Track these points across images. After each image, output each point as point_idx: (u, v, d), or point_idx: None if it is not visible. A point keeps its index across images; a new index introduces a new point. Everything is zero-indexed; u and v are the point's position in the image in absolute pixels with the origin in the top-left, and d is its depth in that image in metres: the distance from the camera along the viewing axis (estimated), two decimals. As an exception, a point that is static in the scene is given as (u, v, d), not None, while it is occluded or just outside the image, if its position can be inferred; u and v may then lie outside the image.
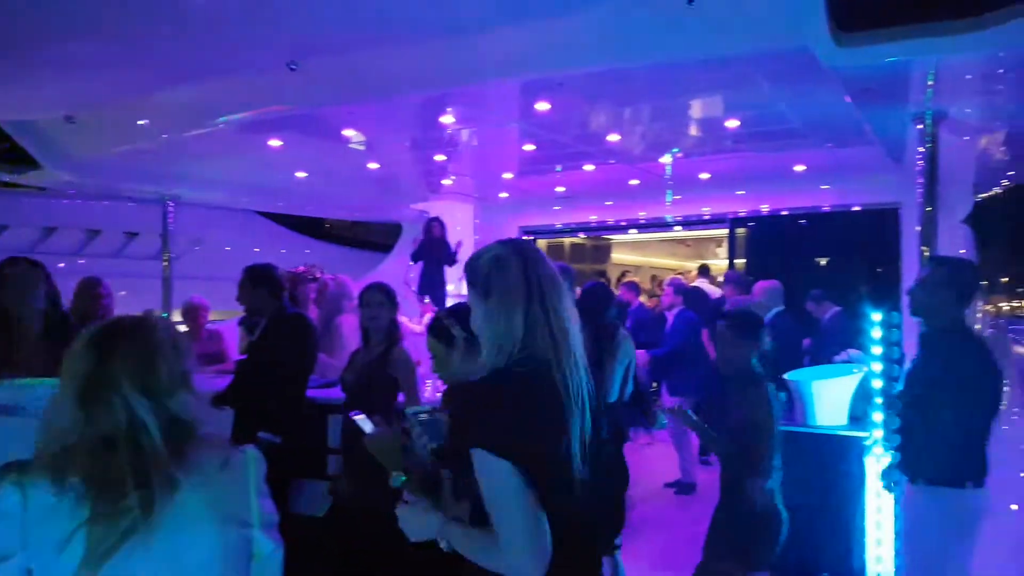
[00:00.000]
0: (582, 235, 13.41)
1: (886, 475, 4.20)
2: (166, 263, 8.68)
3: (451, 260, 9.57)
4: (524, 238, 11.06)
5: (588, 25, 4.35)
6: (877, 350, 4.83)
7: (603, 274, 14.87)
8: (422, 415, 2.54)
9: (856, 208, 8.80)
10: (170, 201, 8.59)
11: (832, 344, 7.02)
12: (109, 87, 5.56)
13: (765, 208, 9.55)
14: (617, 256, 16.57)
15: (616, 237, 15.26)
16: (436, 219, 9.75)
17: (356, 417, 2.80)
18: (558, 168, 8.28)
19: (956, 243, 7.21)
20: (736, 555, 3.96)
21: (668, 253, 17.44)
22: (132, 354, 1.75)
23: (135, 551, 1.64)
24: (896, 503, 4.44)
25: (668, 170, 8.13)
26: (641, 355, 6.87)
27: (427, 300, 9.05)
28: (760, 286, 7.76)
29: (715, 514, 4.10)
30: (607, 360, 4.81)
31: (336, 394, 5.01)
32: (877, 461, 4.69)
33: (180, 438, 1.75)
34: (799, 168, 7.88)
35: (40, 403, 1.79)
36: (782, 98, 5.32)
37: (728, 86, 5.26)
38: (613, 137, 6.79)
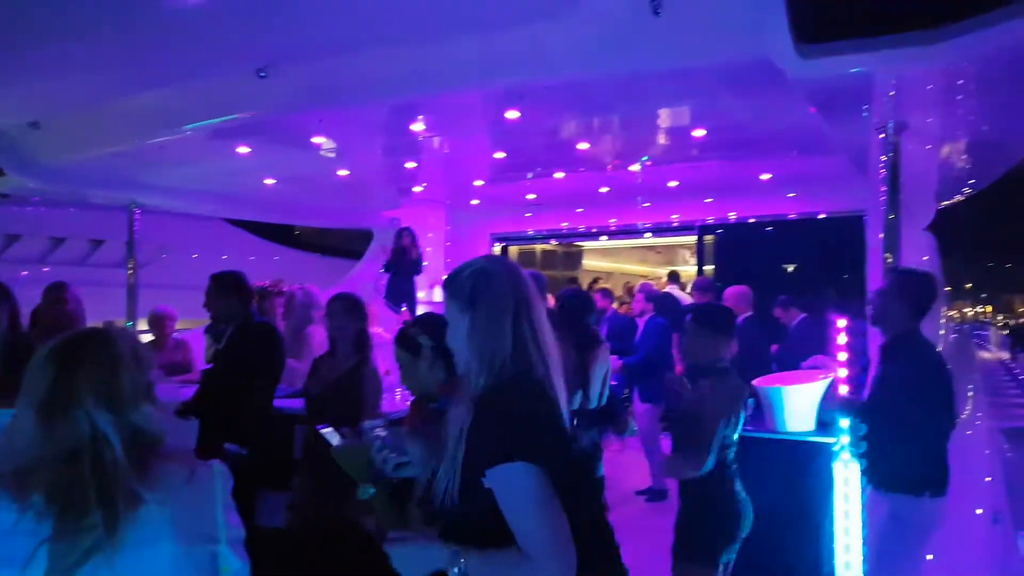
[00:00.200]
0: (554, 242, 13.43)
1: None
2: (131, 271, 8.58)
3: (417, 268, 9.56)
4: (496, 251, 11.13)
5: (556, 35, 4.38)
6: (843, 356, 4.90)
7: (575, 280, 14.91)
8: (379, 430, 2.51)
9: (821, 216, 8.91)
10: (136, 208, 8.50)
11: (799, 350, 7.08)
12: (76, 93, 5.51)
13: (733, 216, 9.65)
14: (588, 262, 16.62)
15: (587, 244, 15.30)
16: (406, 229, 9.74)
17: (324, 431, 2.79)
18: (529, 175, 8.31)
19: (919, 250, 7.32)
20: (702, 554, 3.96)
21: (639, 259, 17.54)
22: (93, 368, 1.73)
23: (99, 568, 1.62)
24: (863, 509, 4.50)
25: (638, 178, 8.18)
26: (614, 361, 6.90)
27: (404, 309, 9.03)
28: (730, 292, 7.83)
29: (678, 518, 4.10)
30: (590, 368, 4.82)
31: (303, 403, 4.98)
32: (845, 467, 4.74)
33: (144, 452, 1.73)
34: (765, 177, 7.97)
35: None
36: (747, 108, 5.37)
37: (694, 96, 5.31)
38: (583, 145, 6.82)
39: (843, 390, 4.83)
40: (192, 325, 8.01)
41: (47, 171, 6.88)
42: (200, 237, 13.19)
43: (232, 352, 5.04)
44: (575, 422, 4.60)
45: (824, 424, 5.44)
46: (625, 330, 9.01)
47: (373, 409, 4.47)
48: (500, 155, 7.33)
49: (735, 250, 9.97)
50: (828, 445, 5.04)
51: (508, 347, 2.04)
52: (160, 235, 11.53)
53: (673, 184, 8.48)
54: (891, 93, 4.49)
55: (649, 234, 11.30)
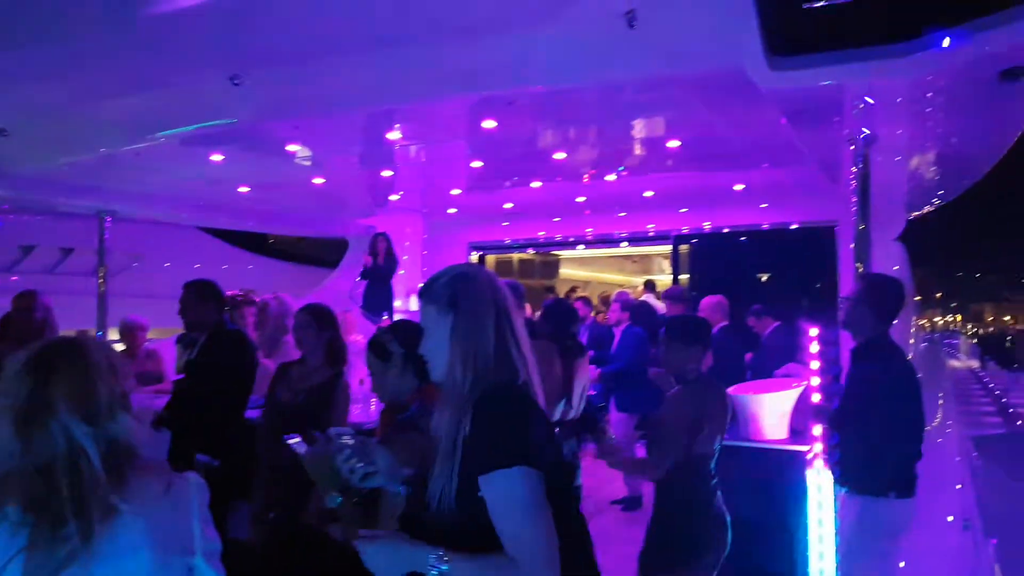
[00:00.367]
0: (531, 251, 13.45)
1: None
2: (102, 280, 8.49)
3: (392, 270, 9.52)
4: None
5: (532, 45, 4.40)
6: (815, 364, 4.94)
7: (552, 290, 14.93)
8: (346, 438, 2.50)
9: (794, 226, 8.99)
10: (107, 216, 8.43)
11: (773, 359, 7.14)
12: (45, 99, 5.45)
13: (707, 225, 9.71)
14: (565, 272, 16.65)
15: (564, 253, 15.33)
16: (382, 235, 9.71)
17: (291, 441, 2.77)
18: (506, 184, 8.32)
19: (890, 260, 7.42)
20: (681, 565, 3.96)
21: (616, 269, 17.60)
22: (69, 378, 1.72)
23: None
24: (836, 515, 4.54)
25: (614, 188, 8.22)
26: (592, 371, 6.92)
27: (385, 317, 8.99)
28: (706, 302, 7.88)
29: (650, 529, 4.08)
30: (574, 378, 4.84)
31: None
32: (818, 474, 4.79)
33: (119, 463, 1.72)
34: (738, 187, 8.03)
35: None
36: (721, 119, 5.42)
37: (669, 107, 5.35)
38: (559, 155, 6.85)
39: (815, 398, 4.88)
40: (163, 335, 7.94)
41: (16, 178, 6.80)
42: (172, 245, 13.06)
43: (204, 361, 5.00)
44: (556, 432, 4.62)
45: (797, 432, 5.50)
46: (603, 339, 9.06)
47: (343, 421, 4.45)
48: (477, 164, 7.34)
49: (710, 259, 10.02)
50: (801, 453, 5.09)
51: (491, 349, 2.05)
52: (131, 243, 11.40)
53: (649, 194, 8.52)
54: (861, 105, 4.55)
55: (625, 243, 11.33)
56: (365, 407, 6.06)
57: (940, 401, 6.28)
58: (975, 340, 24.31)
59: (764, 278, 10.02)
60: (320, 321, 4.51)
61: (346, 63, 4.75)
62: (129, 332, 7.13)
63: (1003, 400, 8.74)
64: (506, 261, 14.28)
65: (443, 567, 1.84)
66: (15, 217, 11.99)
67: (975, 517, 4.69)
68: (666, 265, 13.31)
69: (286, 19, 4.25)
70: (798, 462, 5.08)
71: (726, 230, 9.67)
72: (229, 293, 6.16)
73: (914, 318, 8.29)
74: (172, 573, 1.75)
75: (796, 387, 5.63)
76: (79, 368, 1.75)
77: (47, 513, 1.62)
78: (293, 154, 6.72)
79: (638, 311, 8.62)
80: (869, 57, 4.00)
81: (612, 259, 17.01)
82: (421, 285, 2.22)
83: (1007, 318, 66.19)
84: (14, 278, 11.59)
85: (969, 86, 4.33)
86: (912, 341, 7.55)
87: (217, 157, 6.64)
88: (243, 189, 8.14)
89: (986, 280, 69.68)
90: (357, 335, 7.31)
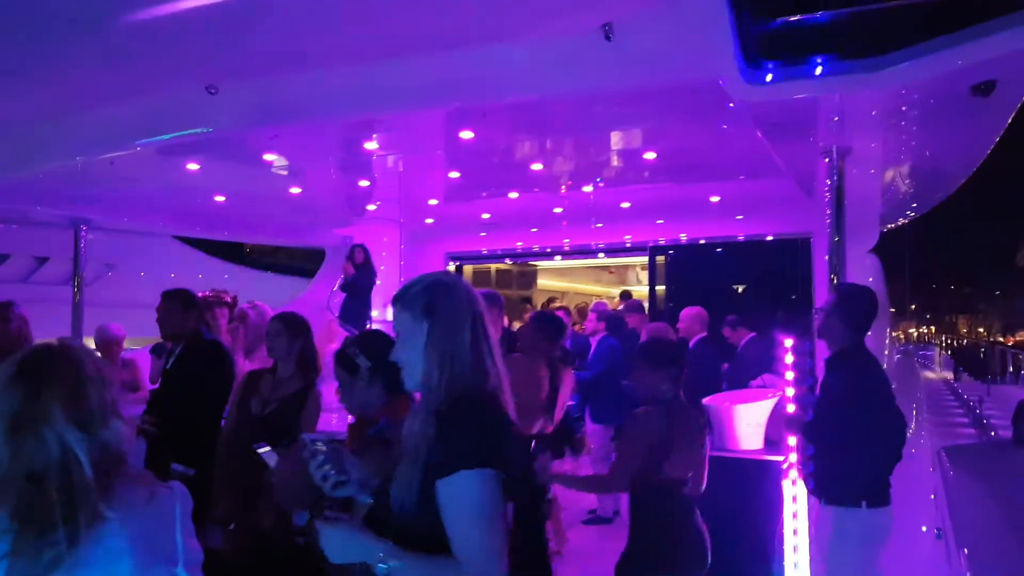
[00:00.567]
0: (508, 261, 13.46)
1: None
2: (77, 289, 8.42)
3: (370, 283, 9.51)
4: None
5: (509, 57, 4.42)
6: (790, 375, 4.98)
7: (529, 300, 14.95)
8: (320, 443, 2.48)
9: (769, 238, 9.05)
10: (82, 225, 8.37)
11: (748, 369, 7.18)
12: (21, 108, 5.42)
13: (684, 237, 9.76)
14: (543, 282, 16.67)
15: (542, 263, 15.35)
16: (360, 246, 9.68)
17: (261, 450, 2.74)
18: (483, 195, 8.33)
19: (864, 272, 7.49)
20: None
21: (593, 279, 17.64)
22: (62, 384, 1.71)
23: None
24: (810, 524, 4.56)
25: (591, 199, 8.25)
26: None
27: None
28: (685, 313, 7.93)
29: (627, 545, 4.07)
30: (560, 389, 4.85)
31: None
32: (793, 484, 4.81)
33: (108, 471, 1.71)
34: (714, 199, 8.08)
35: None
36: (697, 131, 5.46)
37: (645, 119, 5.38)
38: (536, 166, 6.87)
39: (790, 409, 4.91)
40: (137, 344, 7.88)
41: (-9, 187, 6.76)
42: (148, 254, 12.97)
43: (181, 371, 4.97)
44: (535, 443, 4.65)
45: (772, 442, 5.53)
46: (582, 349, 9.07)
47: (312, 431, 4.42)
48: (454, 175, 7.34)
49: (686, 270, 10.07)
50: (776, 463, 5.11)
51: (468, 356, 2.05)
52: (107, 252, 11.31)
53: (626, 205, 8.56)
54: (835, 118, 4.60)
55: (602, 254, 11.37)
56: (341, 416, 6.03)
57: (914, 412, 6.34)
58: (949, 352, 24.52)
59: (740, 289, 10.07)
60: (292, 329, 4.46)
61: (322, 74, 4.75)
62: (106, 344, 7.06)
63: (977, 411, 8.82)
64: (484, 271, 14.29)
65: (391, 563, 1.88)
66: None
67: (947, 527, 4.72)
68: (643, 276, 13.35)
69: (262, 29, 4.25)
70: (773, 472, 5.11)
71: (702, 241, 9.72)
72: (200, 295, 6.14)
73: (888, 330, 8.36)
74: None
75: (771, 397, 5.66)
76: (71, 375, 1.74)
77: (34, 519, 1.61)
78: (270, 163, 6.70)
79: (614, 321, 8.64)
80: (843, 71, 4.05)
81: (589, 270, 17.06)
82: (396, 293, 2.21)
83: (981, 330, 66.90)
84: (-12, 287, 11.45)
85: (941, 100, 4.38)
86: (887, 352, 7.62)
87: (193, 166, 6.61)
88: (219, 198, 8.10)
89: (961, 292, 70.39)
90: (336, 344, 7.29)
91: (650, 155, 6.38)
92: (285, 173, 7.14)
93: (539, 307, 13.27)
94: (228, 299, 6.97)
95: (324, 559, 2.02)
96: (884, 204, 7.28)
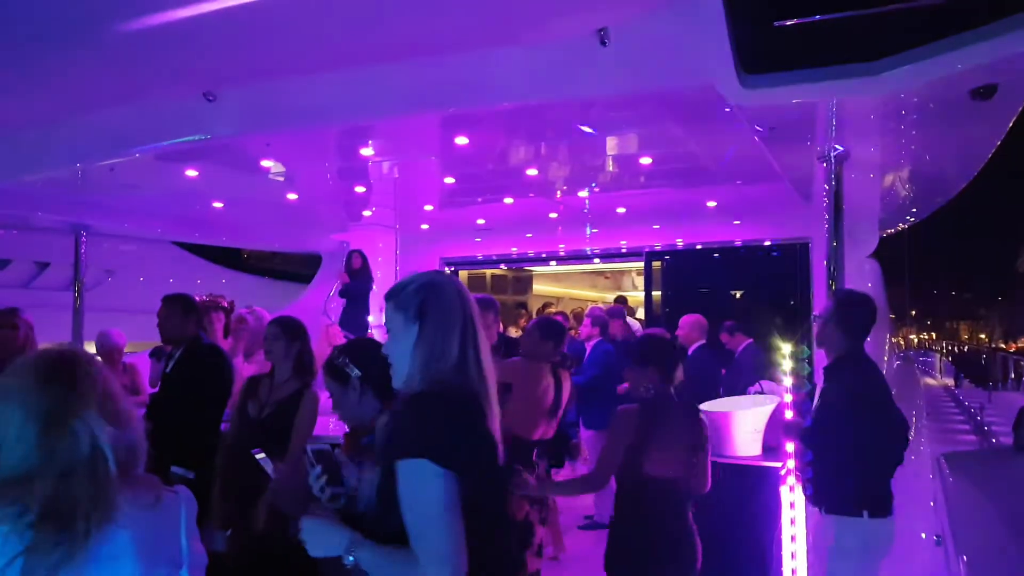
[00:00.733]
0: (503, 266, 13.44)
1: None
2: (77, 294, 8.42)
3: (367, 289, 9.48)
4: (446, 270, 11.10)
5: (505, 62, 4.41)
6: (788, 381, 4.96)
7: (524, 305, 14.92)
8: (318, 452, 2.45)
9: (767, 243, 9.03)
10: (82, 231, 8.37)
11: (745, 375, 7.16)
12: (21, 114, 5.42)
13: (680, 242, 9.73)
14: (538, 288, 16.64)
15: (537, 269, 15.33)
16: (357, 251, 9.67)
17: (258, 456, 2.72)
18: (479, 200, 8.32)
19: (863, 278, 7.46)
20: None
21: (589, 285, 17.61)
22: (94, 384, 1.74)
23: None
24: (809, 532, 4.53)
25: (586, 204, 8.24)
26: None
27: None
28: (685, 320, 7.90)
29: (610, 536, 4.08)
30: (562, 393, 4.85)
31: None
32: (791, 491, 4.78)
33: (126, 470, 1.73)
34: (711, 204, 8.06)
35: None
36: (694, 136, 5.44)
37: (641, 124, 5.37)
38: (532, 171, 6.85)
39: (788, 415, 4.88)
40: (138, 348, 7.87)
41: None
42: (147, 260, 12.98)
43: (181, 374, 4.99)
44: (536, 450, 4.67)
45: (770, 448, 5.50)
46: (578, 354, 9.04)
47: (305, 437, 4.39)
48: (450, 180, 7.33)
49: (682, 276, 10.05)
50: (774, 469, 5.08)
51: (452, 362, 2.05)
52: (106, 258, 11.31)
53: (621, 211, 8.54)
54: (833, 122, 4.57)
55: (598, 260, 11.35)
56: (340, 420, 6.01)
57: (914, 419, 6.31)
58: (950, 358, 24.51)
59: (737, 295, 10.05)
60: (289, 333, 4.47)
61: (319, 79, 4.74)
62: (107, 351, 7.06)
63: (977, 418, 8.79)
64: (479, 277, 14.27)
65: (355, 553, 1.93)
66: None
67: (947, 534, 4.69)
68: (639, 281, 13.34)
69: (259, 36, 4.24)
70: (771, 478, 5.08)
71: (699, 247, 9.70)
72: (196, 299, 6.15)
73: (888, 336, 8.34)
74: None
75: (769, 404, 5.63)
76: (98, 375, 1.77)
77: (57, 515, 1.61)
78: (267, 170, 6.69)
79: (608, 326, 8.63)
80: (841, 75, 4.03)
81: (585, 275, 17.04)
82: (389, 289, 2.20)
83: (982, 336, 66.89)
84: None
85: (940, 105, 4.36)
86: (886, 359, 7.59)
87: (192, 173, 6.60)
88: (217, 204, 8.10)
89: (961, 298, 70.40)
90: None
91: (646, 160, 6.37)
92: (282, 179, 7.13)
93: (535, 312, 13.25)
94: (225, 304, 6.96)
95: (320, 561, 2.01)
96: (883, 209, 7.26)
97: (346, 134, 5.79)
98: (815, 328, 4.17)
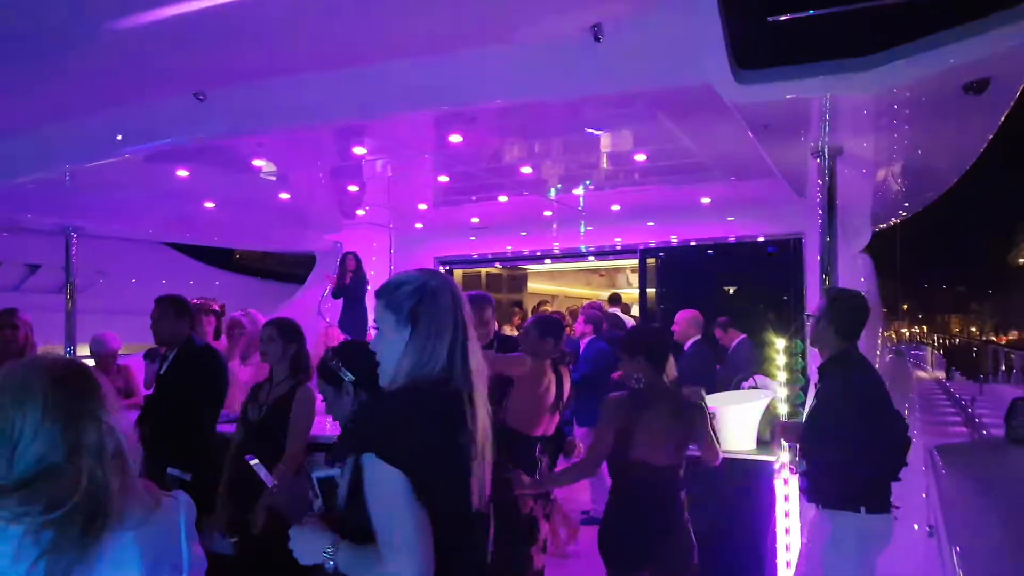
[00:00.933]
0: (498, 265, 13.44)
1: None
2: (69, 296, 8.39)
3: (362, 291, 9.49)
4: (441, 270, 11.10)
5: (498, 59, 4.41)
6: (782, 376, 4.98)
7: (519, 304, 14.93)
8: (328, 478, 2.46)
9: (760, 239, 9.05)
10: (73, 233, 8.33)
11: (739, 371, 7.18)
12: (10, 116, 5.39)
13: (674, 239, 9.75)
14: (533, 286, 16.65)
15: (532, 267, 15.33)
16: (351, 253, 9.67)
17: (252, 462, 2.71)
18: (473, 199, 8.32)
19: (856, 273, 7.48)
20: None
21: (583, 283, 17.62)
22: (99, 385, 1.79)
23: None
24: (803, 526, 4.55)
25: (581, 202, 8.24)
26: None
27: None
28: (681, 316, 7.94)
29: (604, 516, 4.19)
30: (563, 391, 4.88)
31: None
32: (785, 485, 4.81)
33: (124, 474, 1.75)
34: (705, 200, 8.07)
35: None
36: (687, 133, 5.45)
37: (635, 121, 5.37)
38: (526, 169, 6.85)
39: (782, 411, 4.91)
40: (131, 350, 7.85)
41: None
42: (138, 261, 12.94)
43: (175, 376, 4.99)
44: (539, 447, 4.71)
45: (764, 443, 5.52)
46: (574, 352, 9.06)
47: (302, 434, 4.40)
48: (444, 179, 7.33)
49: (677, 273, 10.06)
50: (768, 463, 5.11)
51: (439, 367, 2.07)
52: (98, 260, 11.28)
53: (616, 208, 8.55)
54: (827, 118, 4.59)
55: (592, 257, 11.36)
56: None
57: (906, 411, 6.32)
58: (942, 351, 24.58)
59: (731, 291, 10.06)
60: (285, 335, 4.49)
61: (311, 78, 4.73)
62: (102, 355, 7.06)
63: (969, 410, 8.82)
64: (473, 275, 14.26)
65: (334, 557, 1.97)
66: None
67: (940, 525, 4.71)
68: (633, 279, 13.34)
69: (250, 35, 4.23)
70: (765, 472, 5.10)
71: (693, 243, 9.71)
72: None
73: (881, 330, 8.36)
74: None
75: (763, 399, 5.66)
76: (98, 381, 1.83)
77: (79, 512, 1.63)
78: (258, 169, 6.68)
79: (602, 324, 8.65)
80: (835, 70, 4.04)
81: (580, 273, 17.04)
82: (382, 285, 2.21)
83: (973, 329, 67.09)
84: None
85: (933, 99, 4.38)
86: (879, 352, 7.62)
87: (183, 173, 6.59)
88: (209, 205, 8.07)
89: (953, 291, 70.62)
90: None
91: (640, 157, 6.38)
92: (274, 179, 7.11)
93: (530, 311, 13.27)
94: (216, 307, 6.96)
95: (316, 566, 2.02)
96: (876, 204, 7.28)
97: (339, 133, 5.78)
98: (809, 326, 4.18)
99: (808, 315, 4.25)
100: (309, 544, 2.02)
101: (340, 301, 9.60)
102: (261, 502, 4.00)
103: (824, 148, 5.10)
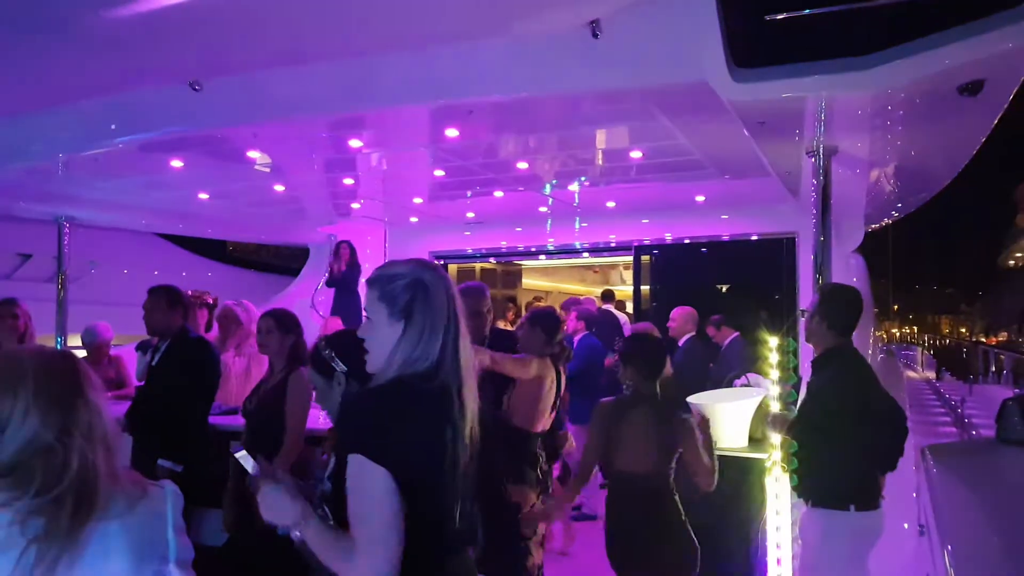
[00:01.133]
0: (493, 260, 13.44)
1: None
2: (61, 286, 8.35)
3: (355, 280, 9.48)
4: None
5: (496, 54, 4.41)
6: (774, 374, 4.99)
7: (513, 299, 14.94)
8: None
9: (754, 237, 9.07)
10: (65, 222, 8.30)
11: (732, 368, 7.20)
12: (2, 103, 5.36)
13: (668, 236, 9.76)
14: (527, 281, 16.67)
15: (526, 263, 15.34)
16: (345, 242, 9.65)
17: (237, 454, 2.70)
18: (468, 194, 8.32)
19: (849, 272, 7.51)
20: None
21: (577, 279, 17.65)
22: (86, 373, 1.79)
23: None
24: (794, 523, 4.56)
25: (576, 198, 8.24)
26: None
27: None
28: (676, 312, 7.96)
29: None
30: (561, 387, 4.89)
31: (238, 420, 4.89)
32: (776, 482, 4.82)
33: (110, 460, 1.76)
34: (700, 198, 8.08)
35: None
36: (683, 131, 5.45)
37: (631, 118, 5.38)
38: (522, 165, 6.85)
39: (774, 408, 4.92)
40: (123, 341, 7.83)
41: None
42: (131, 252, 12.89)
43: (167, 367, 4.97)
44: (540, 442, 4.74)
45: (755, 440, 5.54)
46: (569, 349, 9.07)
47: (299, 421, 4.38)
48: (439, 173, 7.32)
49: (671, 270, 10.08)
50: (760, 460, 5.12)
51: (433, 361, 2.08)
52: (90, 249, 11.23)
53: (611, 205, 8.56)
54: (822, 117, 4.60)
55: (587, 254, 11.37)
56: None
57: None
58: (931, 352, 24.66)
59: (724, 288, 10.09)
60: (283, 326, 4.49)
61: (307, 70, 4.72)
62: (94, 345, 7.04)
63: (958, 410, 8.86)
64: (468, 270, 14.27)
65: (301, 528, 1.98)
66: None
67: (931, 524, 4.74)
68: (627, 275, 13.36)
69: (247, 25, 4.22)
70: (757, 470, 5.11)
71: (687, 241, 9.73)
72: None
73: (872, 330, 8.39)
74: None
75: (755, 396, 5.67)
76: (82, 364, 1.83)
77: (60, 500, 1.63)
78: (253, 161, 6.66)
79: (593, 321, 8.67)
80: (832, 70, 4.05)
81: (574, 269, 17.06)
82: (375, 275, 2.20)
83: (963, 330, 67.32)
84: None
85: (928, 100, 4.39)
86: (871, 352, 7.64)
87: (177, 163, 6.56)
88: (203, 196, 8.05)
89: (943, 293, 70.92)
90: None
91: (636, 154, 6.38)
92: (268, 170, 7.09)
93: (524, 307, 13.28)
94: (209, 300, 6.95)
95: (309, 558, 2.02)
96: (869, 204, 7.30)
97: (334, 125, 5.77)
98: (802, 323, 4.20)
99: (802, 311, 4.27)
100: (279, 504, 2.03)
101: (332, 291, 9.59)
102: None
103: (819, 147, 5.11)
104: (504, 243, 10.90)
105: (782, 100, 4.27)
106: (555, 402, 4.84)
